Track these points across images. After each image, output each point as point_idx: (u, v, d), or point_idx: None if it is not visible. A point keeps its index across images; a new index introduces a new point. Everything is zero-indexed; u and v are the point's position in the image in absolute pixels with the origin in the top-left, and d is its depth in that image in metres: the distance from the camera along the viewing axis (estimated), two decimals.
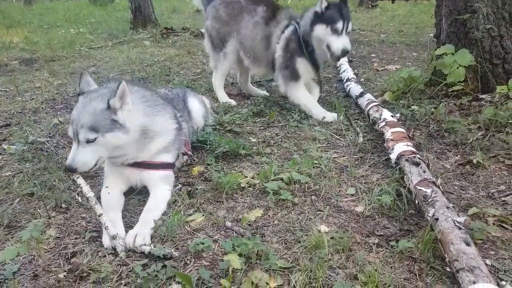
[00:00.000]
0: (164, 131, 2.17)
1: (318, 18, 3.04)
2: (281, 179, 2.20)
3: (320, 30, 3.04)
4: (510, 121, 2.70)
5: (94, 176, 2.40)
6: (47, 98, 4.04)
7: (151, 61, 5.56)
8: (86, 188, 1.86)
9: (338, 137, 2.82)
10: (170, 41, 7.14)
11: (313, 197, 2.09)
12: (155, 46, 6.77)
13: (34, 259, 1.67)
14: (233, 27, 3.51)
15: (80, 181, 1.89)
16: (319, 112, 3.21)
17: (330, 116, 3.14)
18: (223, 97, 3.76)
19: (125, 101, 1.94)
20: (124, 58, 5.83)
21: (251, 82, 4.07)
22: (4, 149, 2.81)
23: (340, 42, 2.98)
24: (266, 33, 3.36)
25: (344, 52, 3.00)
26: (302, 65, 3.23)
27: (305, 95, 3.31)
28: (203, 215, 1.96)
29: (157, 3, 11.31)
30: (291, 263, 1.60)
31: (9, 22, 8.39)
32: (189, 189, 2.19)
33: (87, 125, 1.86)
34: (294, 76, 3.26)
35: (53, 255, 1.70)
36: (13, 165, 2.58)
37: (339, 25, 2.97)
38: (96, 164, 1.92)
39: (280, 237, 1.78)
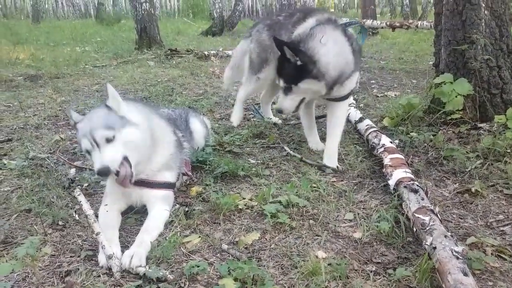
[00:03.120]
0: (166, 139, 2.21)
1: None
2: (279, 201, 2.19)
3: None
4: (508, 151, 2.72)
5: (93, 194, 2.40)
6: (50, 114, 4.08)
7: (155, 81, 5.64)
8: (86, 206, 1.87)
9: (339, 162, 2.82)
10: (174, 62, 7.25)
11: (311, 221, 2.08)
12: (159, 67, 6.87)
13: (28, 276, 1.65)
14: (274, 49, 3.24)
15: (81, 198, 1.90)
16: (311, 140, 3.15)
17: (320, 147, 3.07)
18: (236, 113, 3.68)
19: (118, 100, 2.00)
20: (128, 77, 5.91)
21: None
22: (5, 164, 2.82)
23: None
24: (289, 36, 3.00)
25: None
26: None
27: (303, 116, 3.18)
28: (200, 236, 1.95)
29: (163, 25, 11.56)
30: None
31: (16, 39, 8.59)
32: (187, 209, 2.19)
33: (102, 125, 1.89)
34: None
35: (48, 273, 1.69)
36: (12, 181, 2.58)
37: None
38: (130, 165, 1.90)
39: (276, 262, 1.76)
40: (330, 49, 2.54)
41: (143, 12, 8.59)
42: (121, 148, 1.88)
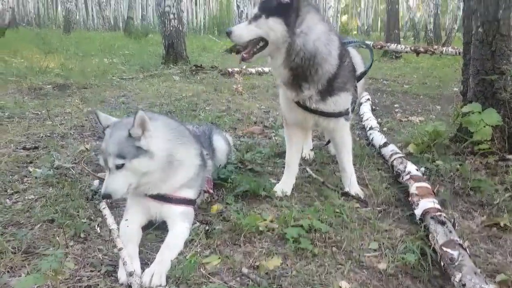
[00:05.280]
0: (188, 164, 2.20)
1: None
2: (301, 226, 2.14)
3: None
4: None
5: (115, 207, 2.42)
6: (76, 124, 4.17)
7: (179, 96, 5.73)
8: (110, 220, 1.88)
9: (361, 186, 2.77)
10: (198, 78, 7.38)
11: (334, 248, 2.02)
12: (184, 82, 7.00)
13: None
14: None
15: (106, 212, 1.92)
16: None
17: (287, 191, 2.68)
18: None
19: (146, 128, 2.01)
20: (154, 90, 6.03)
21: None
22: (30, 172, 2.88)
23: None
24: None
25: None
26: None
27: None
28: (220, 258, 1.92)
29: (189, 41, 11.79)
30: None
31: (48, 48, 8.90)
32: (207, 228, 2.17)
33: (114, 153, 1.95)
34: None
35: (68, 287, 1.69)
36: (36, 189, 2.62)
37: None
38: (127, 191, 1.99)
39: None
40: (319, 24, 2.30)
41: (171, 29, 8.79)
42: (128, 176, 1.98)
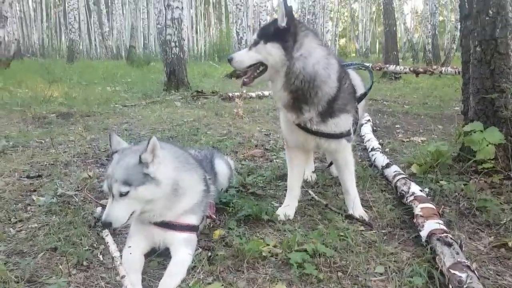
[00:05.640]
0: (192, 190, 2.21)
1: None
2: (305, 250, 2.12)
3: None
4: None
5: (118, 234, 2.40)
6: (79, 152, 4.19)
7: (181, 121, 5.77)
8: (113, 247, 1.87)
9: (365, 209, 2.75)
10: (199, 103, 7.46)
11: (339, 273, 1.99)
12: (185, 107, 7.07)
13: None
14: None
15: (108, 239, 1.91)
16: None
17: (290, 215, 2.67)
18: None
19: (156, 155, 2.01)
20: (156, 117, 6.09)
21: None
22: (33, 200, 2.88)
23: None
24: None
25: None
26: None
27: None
28: (223, 285, 1.89)
29: (190, 67, 11.96)
30: None
31: (52, 77, 9.05)
32: (209, 254, 2.15)
33: (120, 179, 1.93)
34: None
35: None
36: (40, 217, 2.62)
37: None
38: (129, 219, 1.96)
39: None
40: (317, 49, 2.36)
41: (172, 56, 8.97)
42: (131, 205, 1.96)
